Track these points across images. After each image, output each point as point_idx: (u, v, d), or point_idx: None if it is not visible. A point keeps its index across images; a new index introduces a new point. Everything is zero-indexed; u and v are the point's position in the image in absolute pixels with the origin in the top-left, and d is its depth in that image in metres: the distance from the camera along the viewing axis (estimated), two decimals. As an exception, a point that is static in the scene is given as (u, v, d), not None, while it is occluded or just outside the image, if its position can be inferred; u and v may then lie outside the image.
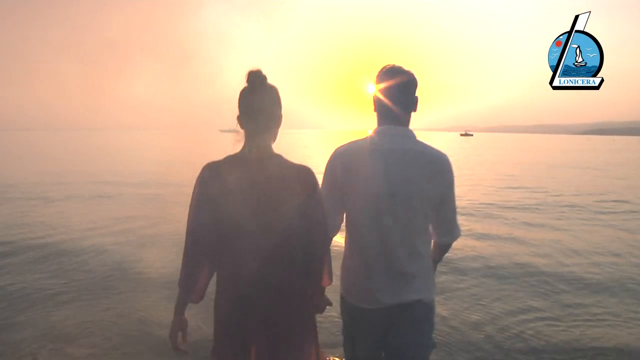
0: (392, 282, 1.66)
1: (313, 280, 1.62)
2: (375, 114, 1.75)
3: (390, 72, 1.68)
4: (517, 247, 5.96)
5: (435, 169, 1.65)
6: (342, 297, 1.82)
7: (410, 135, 1.69)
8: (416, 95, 1.71)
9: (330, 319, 3.25)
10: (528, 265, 5.11)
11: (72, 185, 11.89)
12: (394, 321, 1.70)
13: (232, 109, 1.56)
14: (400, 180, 1.62)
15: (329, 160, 1.74)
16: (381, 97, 1.69)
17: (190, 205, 1.51)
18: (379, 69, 1.73)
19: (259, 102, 1.50)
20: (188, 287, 1.53)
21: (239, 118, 1.53)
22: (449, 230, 1.77)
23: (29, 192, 10.65)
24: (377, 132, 1.70)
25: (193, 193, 1.50)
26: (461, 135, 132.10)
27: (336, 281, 1.75)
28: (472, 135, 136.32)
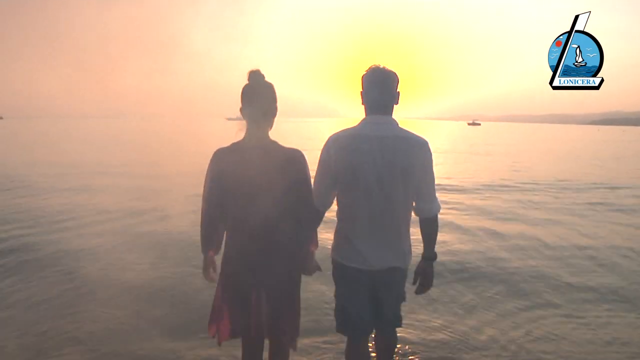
0: (378, 250, 1.98)
1: (302, 240, 2.00)
2: (363, 106, 2.04)
3: (375, 73, 1.97)
4: (529, 244, 5.70)
5: (415, 151, 1.92)
6: (335, 262, 2.11)
7: (393, 123, 1.97)
8: (398, 90, 1.99)
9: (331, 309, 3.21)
10: (536, 262, 4.99)
11: (73, 175, 11.29)
12: (376, 282, 2.04)
13: (238, 99, 1.92)
14: (386, 161, 1.90)
15: (324, 146, 2.01)
16: (367, 92, 1.98)
17: (205, 179, 1.96)
18: (367, 68, 2.01)
19: (257, 97, 1.88)
20: (206, 245, 2.02)
21: (242, 110, 1.91)
22: (429, 203, 2.00)
23: (20, 182, 9.87)
24: (364, 121, 1.99)
25: (207, 170, 1.95)
26: (469, 124, 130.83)
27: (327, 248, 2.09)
28: (479, 124, 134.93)
